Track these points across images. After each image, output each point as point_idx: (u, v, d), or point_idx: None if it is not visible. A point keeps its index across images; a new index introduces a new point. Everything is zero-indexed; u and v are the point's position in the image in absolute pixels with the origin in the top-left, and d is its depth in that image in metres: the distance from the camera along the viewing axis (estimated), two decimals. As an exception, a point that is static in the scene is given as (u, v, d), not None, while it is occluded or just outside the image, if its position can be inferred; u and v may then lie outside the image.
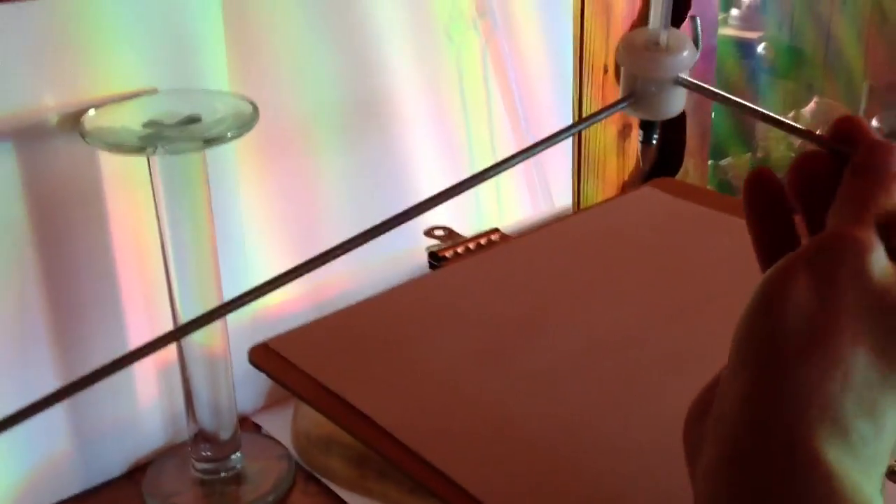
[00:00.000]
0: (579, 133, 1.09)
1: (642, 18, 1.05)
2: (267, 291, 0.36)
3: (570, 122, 1.05)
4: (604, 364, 0.56)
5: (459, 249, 0.83)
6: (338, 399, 0.54)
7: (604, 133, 1.12)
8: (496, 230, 0.88)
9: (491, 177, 0.40)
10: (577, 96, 1.06)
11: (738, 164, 1.52)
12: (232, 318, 0.77)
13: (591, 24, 1.06)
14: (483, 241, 0.85)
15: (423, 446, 0.50)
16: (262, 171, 0.82)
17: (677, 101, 0.43)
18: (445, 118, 0.95)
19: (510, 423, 0.52)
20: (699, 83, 0.43)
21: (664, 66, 0.41)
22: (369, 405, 0.53)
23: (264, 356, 0.58)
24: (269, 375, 0.57)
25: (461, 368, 0.56)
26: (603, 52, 1.08)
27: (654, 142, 1.09)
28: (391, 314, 0.62)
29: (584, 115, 1.04)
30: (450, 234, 0.87)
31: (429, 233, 0.87)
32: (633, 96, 0.42)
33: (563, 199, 1.08)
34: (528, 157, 0.42)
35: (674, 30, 0.43)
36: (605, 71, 1.09)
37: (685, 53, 0.42)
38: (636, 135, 1.14)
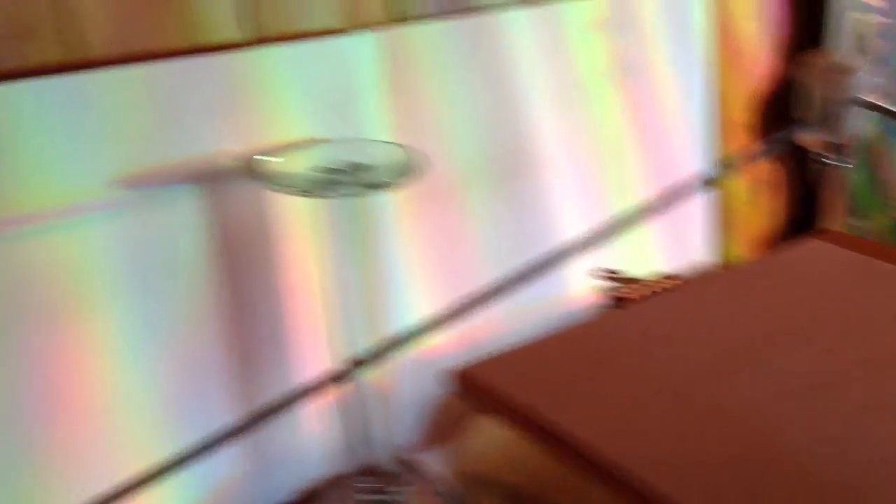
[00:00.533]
0: (718, 187, 1.11)
1: (777, 76, 1.06)
2: (439, 326, 0.38)
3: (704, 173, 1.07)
4: (809, 405, 0.57)
5: (642, 292, 0.87)
6: (546, 426, 0.55)
7: (738, 188, 1.14)
8: (674, 276, 0.91)
9: (641, 222, 0.42)
10: (717, 150, 1.07)
11: (874, 224, 1.50)
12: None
13: (726, 80, 1.08)
14: (665, 285, 0.88)
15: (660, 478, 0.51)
16: (417, 215, 0.86)
17: (857, 121, 0.45)
18: (585, 168, 0.98)
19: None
20: (879, 103, 0.45)
21: (847, 87, 0.43)
22: (590, 435, 0.54)
23: (468, 381, 0.60)
24: (472, 400, 0.59)
25: (657, 402, 0.58)
26: (737, 107, 1.10)
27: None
28: (580, 348, 0.64)
29: (726, 168, 1.05)
30: (628, 278, 0.90)
31: (602, 275, 0.90)
32: (821, 117, 0.44)
33: (697, 252, 1.09)
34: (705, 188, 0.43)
35: (849, 52, 0.45)
36: (741, 125, 1.10)
37: (863, 74, 0.44)
38: (768, 191, 1.15)
